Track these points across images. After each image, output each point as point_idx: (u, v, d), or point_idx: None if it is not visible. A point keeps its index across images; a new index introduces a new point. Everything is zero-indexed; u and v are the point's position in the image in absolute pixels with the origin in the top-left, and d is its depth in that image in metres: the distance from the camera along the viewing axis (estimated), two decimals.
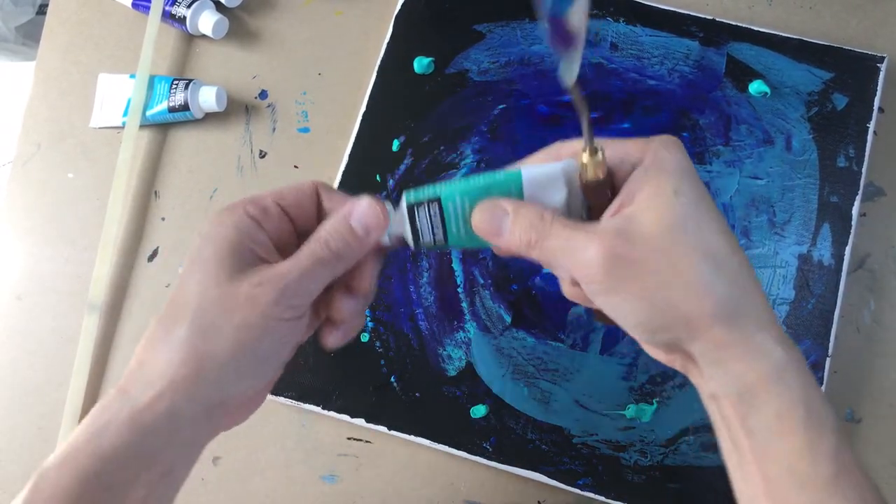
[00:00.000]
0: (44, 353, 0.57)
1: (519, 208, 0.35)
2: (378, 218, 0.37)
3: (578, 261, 0.33)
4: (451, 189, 0.36)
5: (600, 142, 0.34)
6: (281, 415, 0.54)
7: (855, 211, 0.54)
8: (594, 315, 0.39)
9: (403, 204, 0.37)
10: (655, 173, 0.34)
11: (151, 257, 0.59)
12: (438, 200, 0.36)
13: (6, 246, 0.60)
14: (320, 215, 0.39)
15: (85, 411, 0.56)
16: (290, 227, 0.38)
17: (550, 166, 0.35)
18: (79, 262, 0.59)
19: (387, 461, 0.53)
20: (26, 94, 0.63)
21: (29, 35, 1.08)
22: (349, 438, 0.54)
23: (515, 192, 0.35)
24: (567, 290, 0.39)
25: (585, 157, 0.34)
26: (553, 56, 0.33)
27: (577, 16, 0.32)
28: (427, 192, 0.36)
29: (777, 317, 0.33)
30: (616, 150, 0.35)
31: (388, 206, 0.38)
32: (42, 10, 1.07)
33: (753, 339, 0.32)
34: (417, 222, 0.37)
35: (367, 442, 0.54)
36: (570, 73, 0.32)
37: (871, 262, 0.55)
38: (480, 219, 0.36)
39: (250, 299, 0.34)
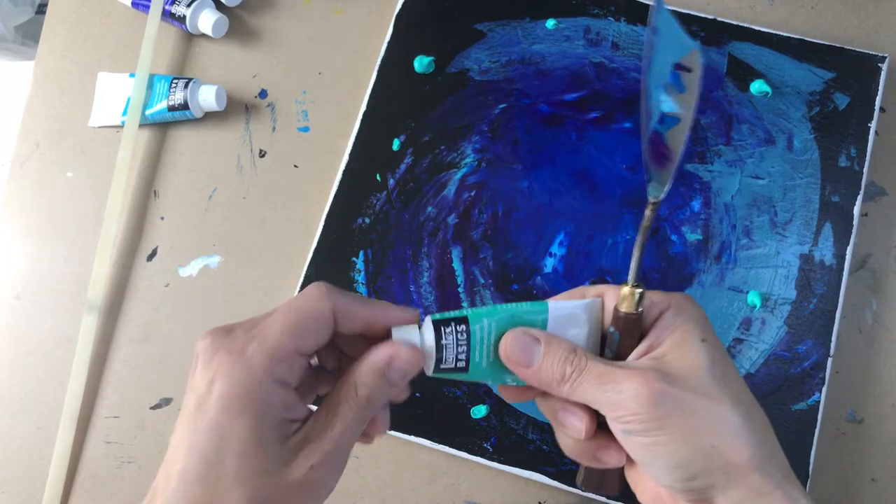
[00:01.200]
0: (43, 353, 0.57)
1: (552, 339, 0.34)
2: (419, 364, 0.35)
3: (619, 397, 0.32)
4: (478, 312, 0.34)
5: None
6: None
7: (856, 211, 0.54)
8: (584, 476, 0.39)
9: (429, 322, 0.34)
10: (684, 321, 0.34)
11: (150, 257, 0.58)
12: (466, 320, 0.34)
13: (5, 245, 0.60)
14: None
15: (84, 411, 0.55)
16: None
17: (576, 302, 0.35)
18: (78, 262, 0.59)
19: (387, 461, 0.53)
20: (25, 94, 0.63)
21: (28, 34, 1.08)
22: None
23: (540, 322, 0.35)
24: (572, 445, 0.37)
25: (626, 290, 0.34)
26: (644, 171, 0.34)
27: (678, 136, 0.33)
28: (452, 313, 0.34)
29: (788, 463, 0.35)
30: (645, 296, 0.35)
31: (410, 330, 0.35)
32: (41, 10, 1.06)
33: (783, 487, 0.32)
34: (443, 340, 0.34)
35: (367, 442, 0.53)
36: (658, 190, 0.34)
37: (873, 261, 0.55)
38: (511, 345, 0.34)
39: (307, 486, 0.32)
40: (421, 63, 0.59)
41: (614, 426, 0.33)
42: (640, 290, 0.34)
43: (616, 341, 0.35)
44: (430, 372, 0.35)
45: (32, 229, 0.60)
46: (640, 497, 0.37)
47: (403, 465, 0.53)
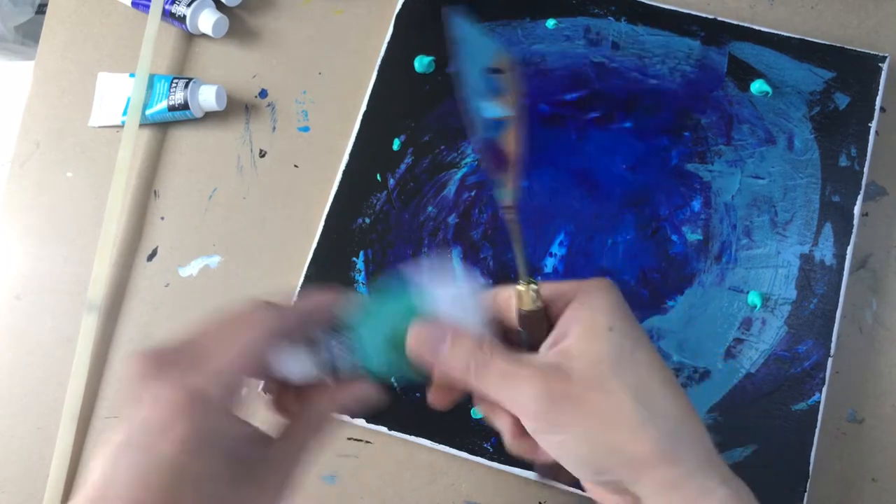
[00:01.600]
0: (43, 353, 0.57)
1: (458, 332, 0.34)
2: (376, 396, 0.37)
3: (519, 398, 0.32)
4: (364, 312, 0.35)
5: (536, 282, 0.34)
6: None
7: (857, 210, 0.54)
8: (538, 471, 0.39)
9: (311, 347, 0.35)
10: (589, 309, 0.33)
11: (151, 257, 0.58)
12: (351, 327, 0.35)
13: (5, 245, 0.60)
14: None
15: (84, 411, 0.55)
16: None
17: (461, 290, 0.35)
18: (78, 262, 0.59)
19: (387, 462, 0.53)
20: (25, 94, 0.63)
21: (28, 34, 1.08)
22: (349, 439, 0.54)
23: (430, 314, 0.34)
24: (508, 442, 0.37)
25: (520, 288, 0.34)
26: (489, 179, 0.34)
27: (511, 137, 0.33)
28: (340, 321, 0.36)
29: (715, 450, 0.33)
30: (551, 288, 0.35)
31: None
32: (41, 10, 1.06)
33: (694, 478, 0.32)
34: (330, 353, 0.35)
35: (367, 442, 0.54)
36: (506, 195, 0.33)
37: (873, 261, 0.55)
38: (416, 338, 0.34)
39: None
40: (421, 63, 0.59)
41: (524, 423, 0.33)
42: (533, 287, 0.33)
43: (525, 339, 0.35)
44: (331, 377, 0.35)
45: (32, 229, 0.60)
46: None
47: (403, 465, 0.53)
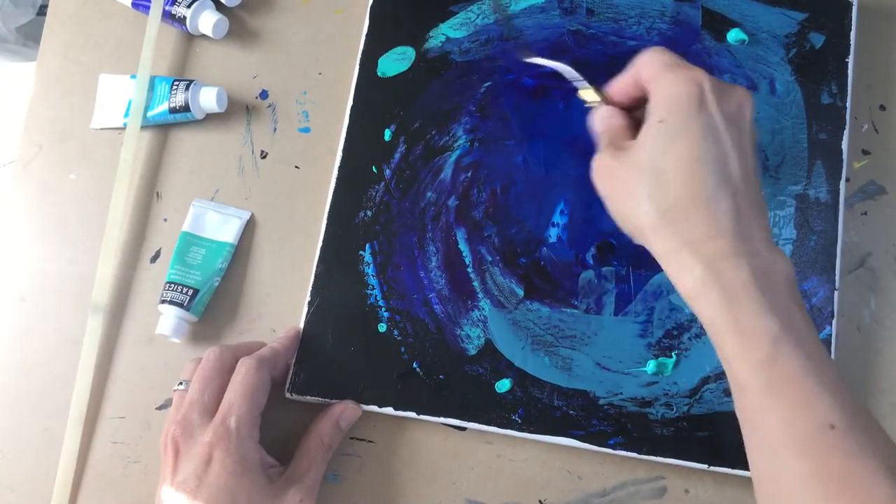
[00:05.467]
0: (48, 354, 0.57)
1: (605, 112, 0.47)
2: (359, 414, 0.53)
3: (594, 163, 0.44)
4: None
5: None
6: None
7: (845, 146, 0.55)
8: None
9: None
10: (653, 102, 0.41)
11: (154, 258, 0.59)
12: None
13: (9, 247, 0.60)
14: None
15: (90, 412, 0.56)
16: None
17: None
18: (82, 264, 0.59)
19: (389, 460, 0.54)
20: (27, 95, 0.63)
21: (29, 36, 1.07)
22: (352, 438, 0.54)
23: None
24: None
25: (581, 92, 0.48)
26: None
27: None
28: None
29: (724, 234, 0.38)
30: (623, 84, 0.46)
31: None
32: (42, 11, 1.05)
33: (680, 254, 0.38)
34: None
35: (370, 441, 0.54)
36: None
37: (872, 260, 0.56)
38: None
39: None
40: (402, 54, 0.59)
41: None
42: (586, 92, 0.48)
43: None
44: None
45: (36, 231, 0.60)
46: None
47: (404, 463, 0.54)
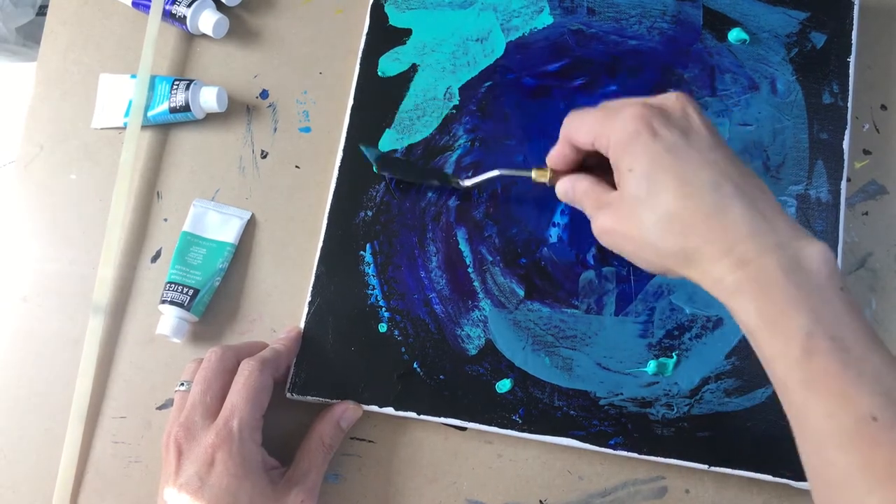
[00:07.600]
0: (50, 355, 0.57)
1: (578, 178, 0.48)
2: (359, 414, 0.53)
3: (592, 225, 0.45)
4: None
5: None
6: None
7: (846, 145, 0.55)
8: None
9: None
10: (614, 157, 0.42)
11: (154, 258, 0.59)
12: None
13: (10, 247, 0.60)
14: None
15: (91, 412, 0.56)
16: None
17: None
18: (83, 264, 0.59)
19: (390, 460, 0.54)
20: (28, 95, 0.63)
21: (29, 36, 1.07)
22: (352, 438, 0.54)
23: None
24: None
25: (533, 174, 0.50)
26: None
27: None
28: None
29: (740, 232, 0.38)
30: (573, 149, 0.47)
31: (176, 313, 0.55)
32: (42, 11, 1.05)
33: (710, 273, 0.38)
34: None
35: (370, 441, 0.54)
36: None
37: (873, 261, 0.56)
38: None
39: None
40: (390, 58, 0.59)
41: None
42: (541, 175, 0.50)
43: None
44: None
45: (37, 231, 0.60)
46: None
47: (405, 463, 0.54)
